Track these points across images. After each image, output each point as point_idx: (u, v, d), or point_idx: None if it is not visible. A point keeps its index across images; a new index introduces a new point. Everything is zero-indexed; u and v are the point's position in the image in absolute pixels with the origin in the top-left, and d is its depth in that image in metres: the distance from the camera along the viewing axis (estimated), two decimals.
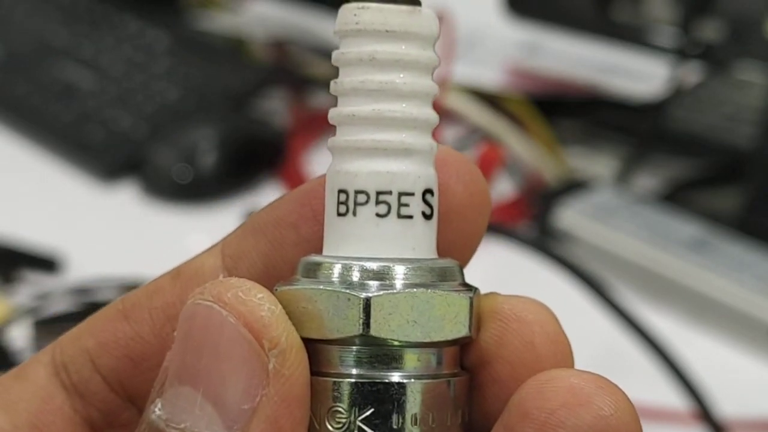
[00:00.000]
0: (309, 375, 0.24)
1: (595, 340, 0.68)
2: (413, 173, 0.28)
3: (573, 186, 0.84)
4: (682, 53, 0.88)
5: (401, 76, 0.28)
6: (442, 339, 0.26)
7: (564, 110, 0.96)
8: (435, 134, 0.80)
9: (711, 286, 0.76)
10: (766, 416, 0.68)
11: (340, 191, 0.28)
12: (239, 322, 0.23)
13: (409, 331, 0.25)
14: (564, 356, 0.27)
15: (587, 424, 0.23)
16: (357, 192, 0.27)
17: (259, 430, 0.22)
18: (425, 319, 0.26)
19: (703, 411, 0.57)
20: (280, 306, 0.24)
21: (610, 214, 0.81)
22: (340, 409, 0.25)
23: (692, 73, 0.93)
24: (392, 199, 0.27)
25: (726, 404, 0.60)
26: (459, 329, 0.26)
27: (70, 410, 0.29)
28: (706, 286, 0.76)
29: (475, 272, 0.76)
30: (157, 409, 0.24)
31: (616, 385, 0.24)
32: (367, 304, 0.25)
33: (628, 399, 0.24)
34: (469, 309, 0.26)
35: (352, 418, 0.25)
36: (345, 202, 0.27)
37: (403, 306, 0.25)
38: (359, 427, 0.25)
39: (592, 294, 0.59)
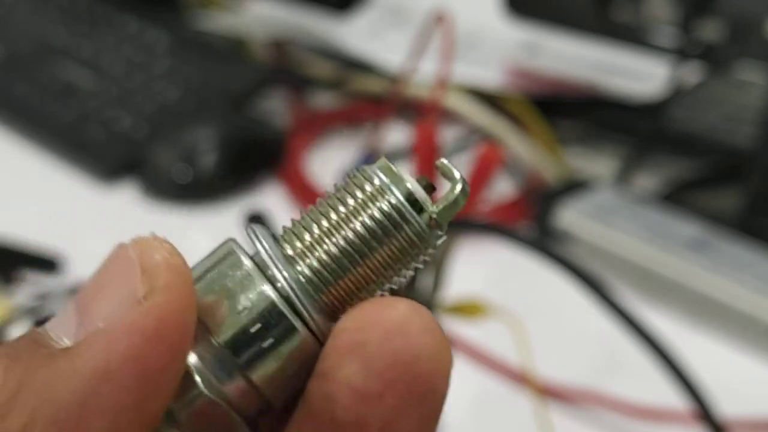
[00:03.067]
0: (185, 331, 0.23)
1: (595, 340, 0.68)
2: None
3: (573, 186, 0.84)
4: (682, 53, 0.88)
5: None
6: None
7: (564, 110, 0.96)
8: (434, 135, 0.80)
9: (711, 286, 0.76)
10: (766, 416, 0.68)
11: None
12: (135, 252, 0.23)
13: None
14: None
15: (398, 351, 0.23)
16: None
17: (90, 347, 0.22)
18: None
19: (703, 411, 0.57)
20: (182, 260, 0.23)
21: (610, 214, 0.81)
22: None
23: (692, 73, 0.93)
24: None
25: (726, 404, 0.60)
26: None
27: None
28: (706, 286, 0.76)
29: (477, 273, 0.76)
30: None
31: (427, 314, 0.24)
32: None
33: (439, 328, 0.24)
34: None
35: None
36: None
37: None
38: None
39: (592, 294, 0.59)
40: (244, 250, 0.23)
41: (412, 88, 0.92)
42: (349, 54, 1.02)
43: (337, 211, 0.23)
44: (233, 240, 0.24)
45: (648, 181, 0.90)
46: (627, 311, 0.59)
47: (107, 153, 0.90)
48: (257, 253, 0.23)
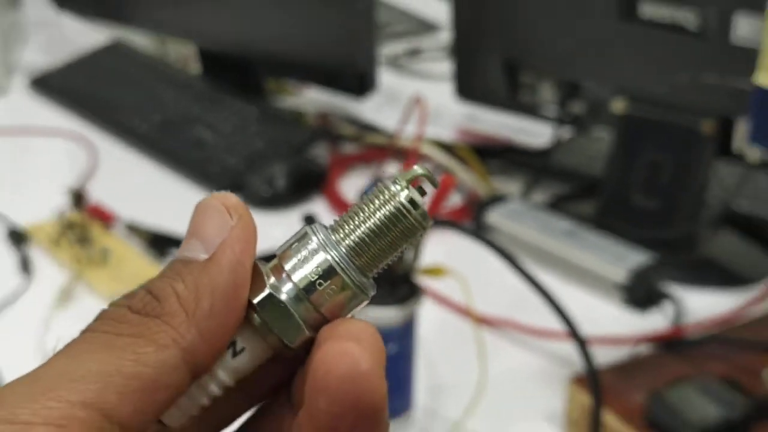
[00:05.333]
0: (255, 239, 0.21)
1: (510, 290, 0.67)
2: None
3: (495, 199, 0.83)
4: (560, 120, 0.88)
5: None
6: None
7: (490, 154, 0.95)
8: (411, 163, 0.78)
9: (578, 259, 0.76)
10: (611, 335, 0.68)
11: None
12: (218, 201, 0.21)
13: None
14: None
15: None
16: None
17: (223, 252, 0.20)
18: None
19: (573, 332, 0.56)
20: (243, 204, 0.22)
21: (517, 216, 0.81)
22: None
23: (567, 132, 0.93)
24: None
25: (588, 328, 0.59)
26: None
27: None
28: (575, 258, 0.76)
29: (439, 250, 0.77)
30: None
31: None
32: None
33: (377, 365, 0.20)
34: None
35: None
36: None
37: None
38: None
39: (508, 262, 0.59)
40: (314, 233, 0.22)
41: (401, 141, 0.92)
42: (363, 121, 1.01)
43: (362, 212, 0.21)
44: (308, 226, 0.22)
45: (540, 196, 0.89)
46: (528, 272, 0.58)
47: (221, 180, 0.89)
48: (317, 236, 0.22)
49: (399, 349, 0.58)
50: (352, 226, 0.22)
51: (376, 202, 0.22)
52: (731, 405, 0.57)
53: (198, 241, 0.21)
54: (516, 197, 0.86)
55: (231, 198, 0.21)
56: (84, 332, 0.20)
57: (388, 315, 0.56)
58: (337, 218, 0.22)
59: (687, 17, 0.75)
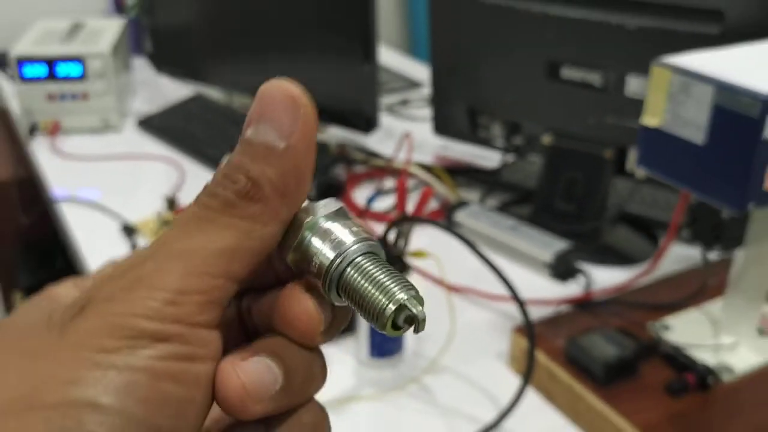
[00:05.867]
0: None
1: (470, 268, 0.66)
2: None
3: (461, 204, 0.83)
4: (506, 149, 0.87)
5: None
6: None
7: (458, 172, 0.94)
8: (404, 183, 0.77)
9: (519, 245, 0.75)
10: (542, 298, 0.67)
11: None
12: (286, 90, 0.18)
13: None
14: None
15: None
16: None
17: (298, 139, 0.17)
18: None
19: (515, 296, 0.55)
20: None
21: (477, 216, 0.80)
22: None
23: (510, 158, 0.92)
24: None
25: (525, 293, 0.59)
26: None
27: None
28: (517, 245, 0.76)
29: (422, 240, 0.76)
30: (248, 132, 0.18)
31: None
32: None
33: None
34: None
35: None
36: None
37: None
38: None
39: (470, 248, 0.57)
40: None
41: (395, 164, 0.91)
42: (369, 149, 1.00)
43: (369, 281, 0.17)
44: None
45: (492, 202, 0.88)
46: (484, 255, 0.57)
47: None
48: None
49: None
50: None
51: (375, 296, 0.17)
52: (625, 347, 0.57)
53: (272, 128, 0.17)
54: (476, 203, 0.85)
55: (294, 88, 0.18)
56: (200, 212, 0.17)
57: None
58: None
59: (594, 77, 0.75)
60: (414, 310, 0.17)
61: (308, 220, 0.18)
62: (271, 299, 0.19)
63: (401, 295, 0.17)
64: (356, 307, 0.17)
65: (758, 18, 0.65)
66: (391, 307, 0.17)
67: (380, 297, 0.17)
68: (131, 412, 0.15)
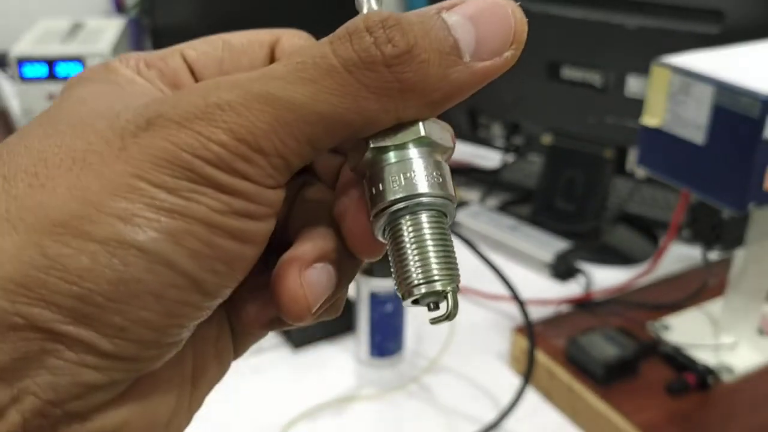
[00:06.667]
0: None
1: (471, 268, 0.67)
2: None
3: (462, 204, 0.83)
4: (506, 149, 0.87)
5: None
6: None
7: (459, 172, 0.94)
8: None
9: (518, 245, 0.75)
10: (542, 298, 0.67)
11: None
12: (514, 14, 0.15)
13: None
14: None
15: None
16: None
17: (490, 65, 0.15)
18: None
19: (515, 296, 0.56)
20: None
21: (477, 215, 0.81)
22: None
23: (511, 158, 0.92)
24: None
25: (525, 293, 0.59)
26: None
27: None
28: (517, 244, 0.76)
29: None
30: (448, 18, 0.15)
31: None
32: None
33: None
34: None
35: None
36: None
37: None
38: None
39: (470, 248, 0.58)
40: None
41: None
42: None
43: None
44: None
45: (492, 202, 0.88)
46: (484, 255, 0.57)
47: None
48: None
49: (394, 308, 0.58)
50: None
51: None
52: (625, 347, 0.57)
53: (474, 39, 0.15)
54: (476, 202, 0.85)
55: (522, 22, 0.15)
56: (323, 61, 0.14)
57: (387, 284, 0.57)
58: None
59: (594, 78, 0.75)
60: (445, 308, 0.15)
61: (403, 135, 0.15)
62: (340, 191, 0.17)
63: (439, 287, 0.15)
64: (391, 257, 0.15)
65: (758, 18, 0.65)
66: (423, 290, 0.15)
67: (419, 271, 0.15)
68: (179, 264, 0.14)
